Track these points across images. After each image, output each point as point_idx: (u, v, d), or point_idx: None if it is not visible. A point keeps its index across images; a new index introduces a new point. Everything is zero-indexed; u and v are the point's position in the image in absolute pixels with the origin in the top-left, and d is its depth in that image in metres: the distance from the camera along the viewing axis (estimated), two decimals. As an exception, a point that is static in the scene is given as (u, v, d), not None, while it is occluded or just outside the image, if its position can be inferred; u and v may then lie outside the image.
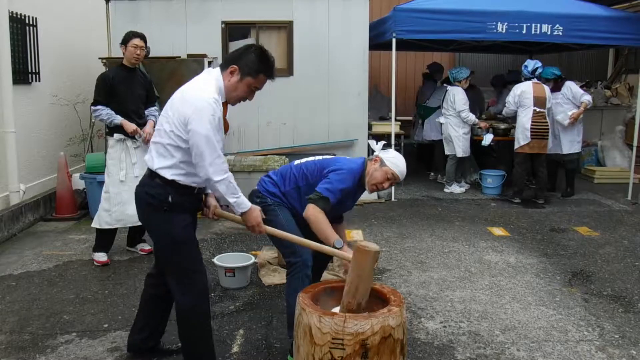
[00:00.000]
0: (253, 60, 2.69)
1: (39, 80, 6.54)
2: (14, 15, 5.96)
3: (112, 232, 4.78)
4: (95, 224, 4.75)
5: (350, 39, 7.22)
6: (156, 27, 7.03)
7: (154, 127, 4.71)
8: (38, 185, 6.44)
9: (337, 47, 7.26)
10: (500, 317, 3.75)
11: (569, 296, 4.11)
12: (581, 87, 8.13)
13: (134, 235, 4.99)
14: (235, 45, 7.25)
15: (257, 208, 2.83)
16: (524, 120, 6.85)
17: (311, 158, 3.30)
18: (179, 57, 6.80)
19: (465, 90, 7.44)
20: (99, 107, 4.62)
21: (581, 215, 6.51)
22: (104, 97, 4.61)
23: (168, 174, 2.69)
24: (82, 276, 4.45)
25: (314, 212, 2.93)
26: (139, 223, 4.64)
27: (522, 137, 6.90)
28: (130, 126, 4.59)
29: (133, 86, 4.71)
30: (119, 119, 4.58)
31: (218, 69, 2.74)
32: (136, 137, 4.65)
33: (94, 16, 7.75)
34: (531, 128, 6.81)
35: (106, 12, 7.01)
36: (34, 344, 3.32)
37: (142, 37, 4.66)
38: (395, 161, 3.13)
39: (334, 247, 2.82)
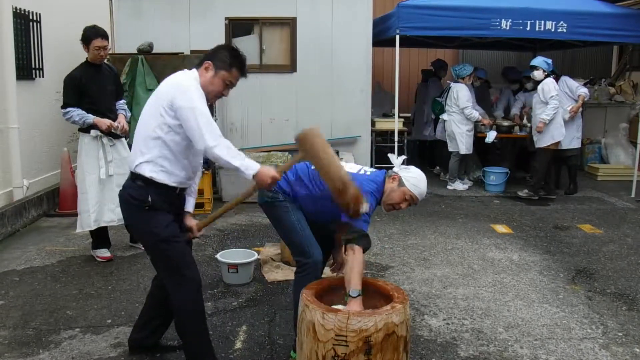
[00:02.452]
0: (226, 55, 2.82)
1: (42, 76, 6.54)
2: (18, 11, 5.96)
3: (103, 229, 4.70)
4: (79, 229, 4.64)
5: (353, 35, 7.21)
6: (159, 23, 7.04)
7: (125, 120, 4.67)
8: (41, 180, 6.44)
9: (340, 44, 7.25)
10: (503, 314, 3.74)
11: (573, 294, 4.10)
12: (585, 84, 8.08)
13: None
14: (238, 42, 7.26)
15: (266, 166, 2.67)
16: (559, 117, 6.76)
17: None
18: (182, 53, 6.80)
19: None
20: (69, 109, 4.41)
21: (585, 212, 6.49)
22: (73, 99, 4.41)
23: (147, 170, 2.72)
24: (85, 272, 4.46)
25: (352, 255, 2.66)
26: (114, 223, 4.66)
27: (557, 133, 6.79)
28: (104, 123, 4.42)
29: (103, 83, 4.54)
30: (91, 118, 4.40)
31: (194, 68, 2.83)
32: (113, 129, 4.47)
33: (97, 12, 7.74)
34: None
35: (109, 9, 7.02)
36: (38, 339, 3.33)
37: (104, 36, 4.46)
38: (415, 182, 2.91)
39: (348, 294, 2.59)
